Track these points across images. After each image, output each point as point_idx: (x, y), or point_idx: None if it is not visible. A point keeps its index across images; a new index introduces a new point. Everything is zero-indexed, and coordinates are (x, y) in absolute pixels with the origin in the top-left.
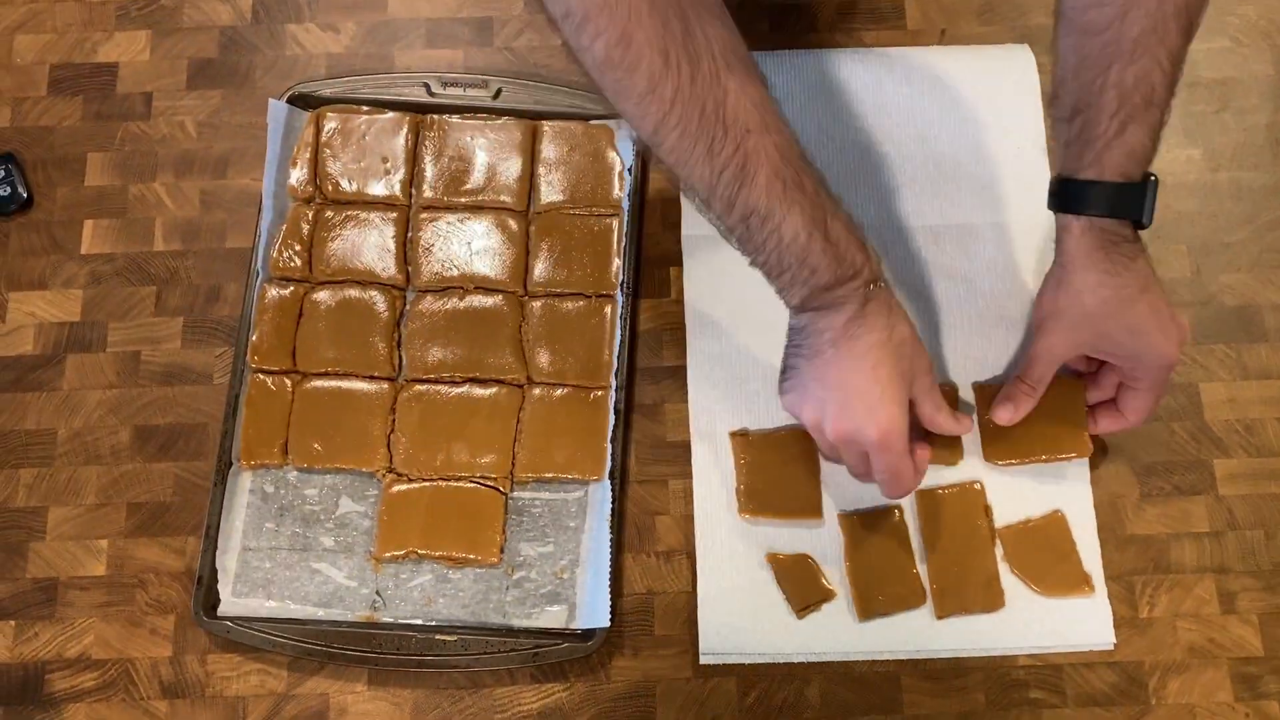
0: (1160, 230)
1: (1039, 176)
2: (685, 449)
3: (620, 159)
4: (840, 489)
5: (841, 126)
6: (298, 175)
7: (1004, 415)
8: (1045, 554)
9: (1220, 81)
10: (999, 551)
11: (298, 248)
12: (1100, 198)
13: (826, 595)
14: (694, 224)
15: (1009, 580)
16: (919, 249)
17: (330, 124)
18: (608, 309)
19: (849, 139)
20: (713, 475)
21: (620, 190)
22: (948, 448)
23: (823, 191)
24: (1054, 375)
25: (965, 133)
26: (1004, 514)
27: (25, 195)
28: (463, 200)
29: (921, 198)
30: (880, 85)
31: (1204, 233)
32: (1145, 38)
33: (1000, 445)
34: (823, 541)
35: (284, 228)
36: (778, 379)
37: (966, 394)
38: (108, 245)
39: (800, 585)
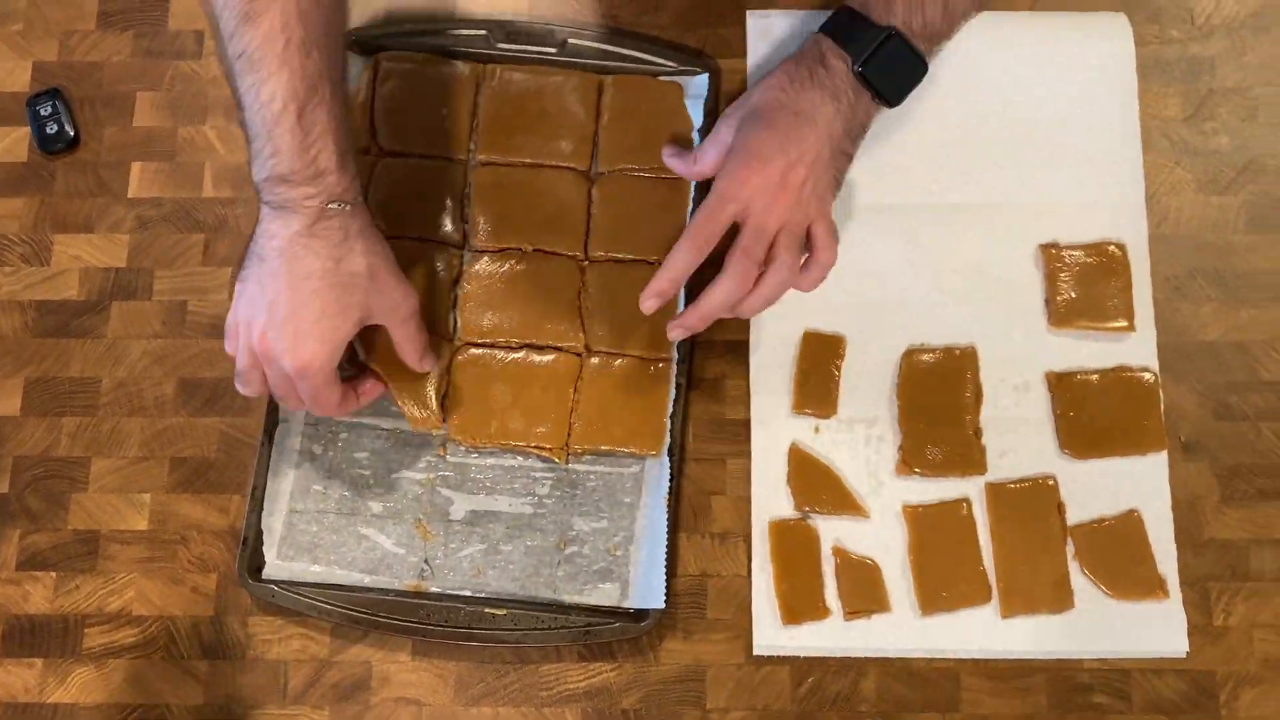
0: (1256, 216)
1: (1129, 153)
2: (745, 427)
3: (690, 118)
4: (904, 485)
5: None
6: (354, 124)
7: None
8: (1118, 555)
9: None
10: (1070, 550)
11: None
12: (838, 17)
13: (880, 607)
14: None
15: (1079, 581)
16: (990, 219)
17: (388, 70)
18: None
19: (934, 107)
20: (772, 461)
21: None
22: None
23: (327, 77)
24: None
25: (1053, 103)
26: (1077, 511)
27: (72, 134)
28: (523, 157)
29: (1003, 169)
30: (968, 51)
31: None
32: None
33: (1077, 438)
34: (887, 536)
35: None
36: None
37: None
38: (155, 189)
39: (856, 589)
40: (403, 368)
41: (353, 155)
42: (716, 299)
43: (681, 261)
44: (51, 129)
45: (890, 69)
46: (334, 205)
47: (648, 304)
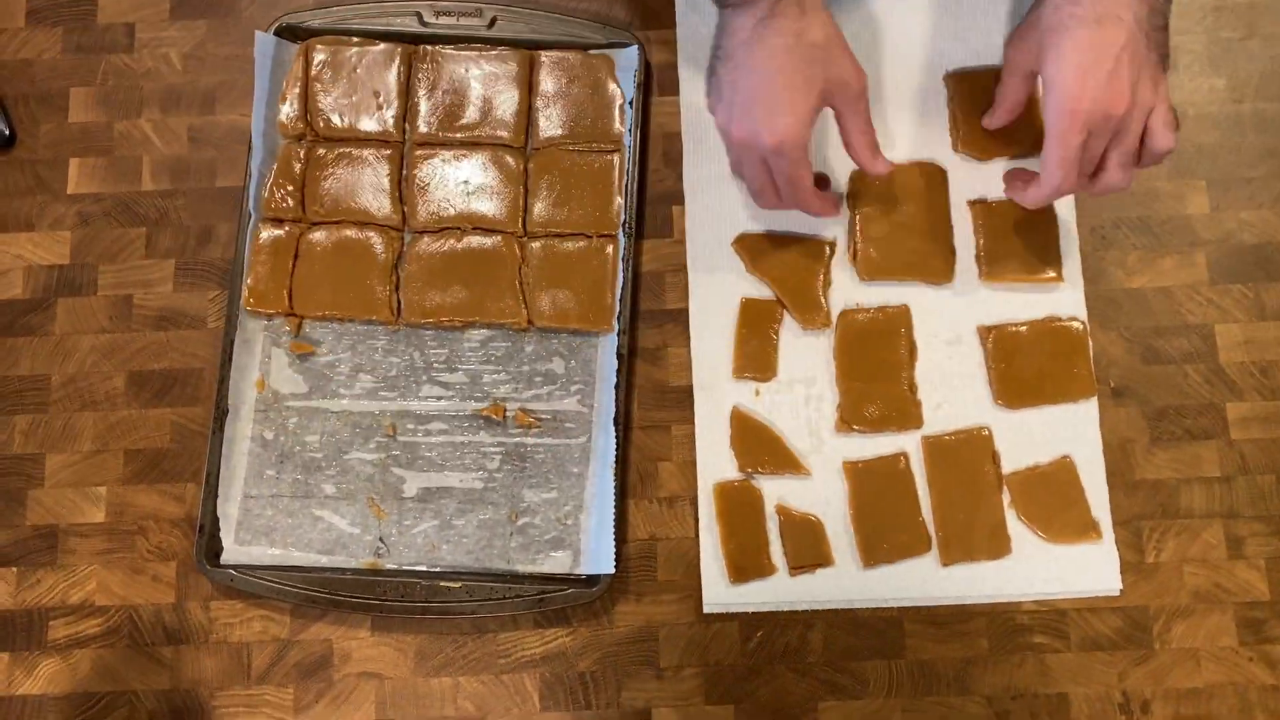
0: (1178, 164)
1: None
2: (688, 394)
3: (621, 91)
4: (844, 443)
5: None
6: (287, 111)
7: (991, 120)
8: (1053, 500)
9: (1249, 5)
10: (1006, 498)
11: (290, 188)
12: None
13: (824, 561)
14: (696, 163)
15: (1015, 527)
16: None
17: (320, 56)
18: (609, 249)
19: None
20: (715, 425)
21: (621, 125)
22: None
23: None
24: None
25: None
26: (1011, 460)
27: (7, 132)
28: (458, 136)
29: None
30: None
31: (1224, 167)
32: None
33: (1010, 389)
34: (829, 491)
35: (275, 167)
36: None
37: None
38: (95, 185)
39: (800, 545)
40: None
41: None
42: (1045, 193)
43: (1067, 187)
44: None
45: None
46: None
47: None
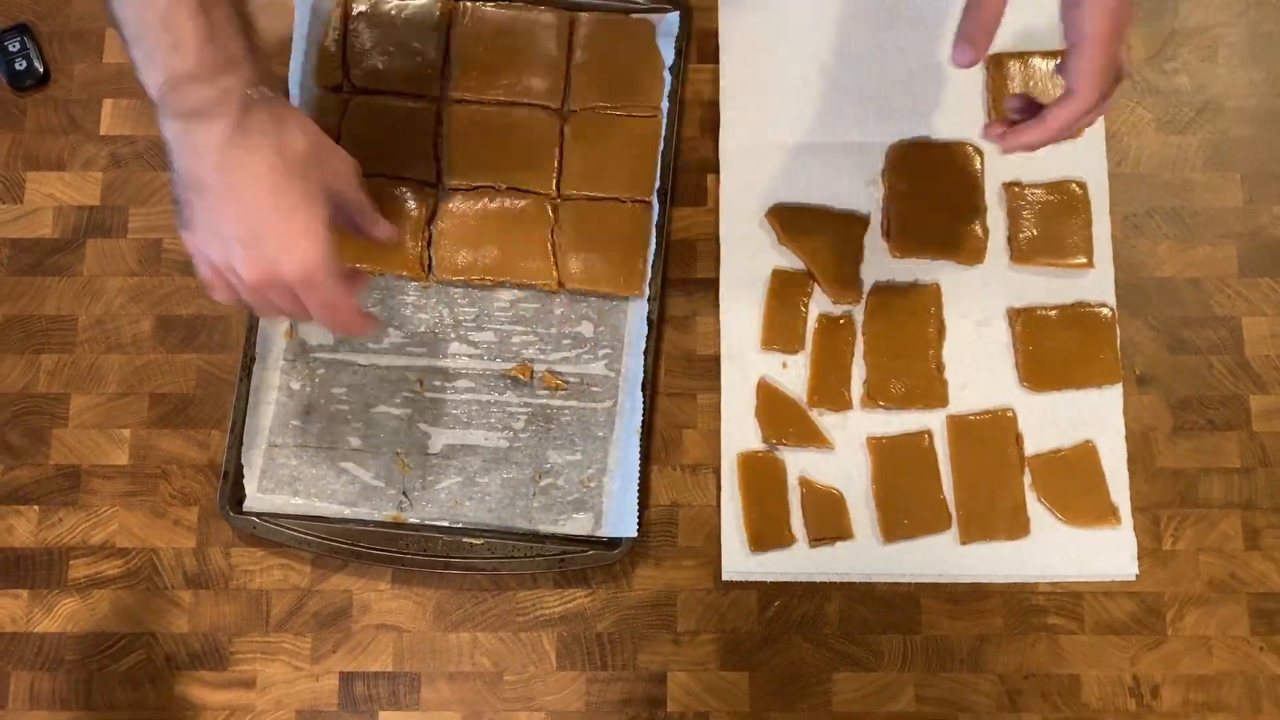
0: (1214, 156)
1: None
2: (715, 363)
3: (661, 56)
4: (869, 418)
5: (888, 30)
6: (325, 61)
7: (961, 57)
8: (1073, 484)
9: None
10: (1027, 480)
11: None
12: None
13: (844, 534)
14: (733, 131)
15: (1035, 509)
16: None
17: (360, 7)
18: (643, 214)
19: (894, 46)
20: (741, 395)
21: (660, 90)
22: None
23: None
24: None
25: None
26: (1035, 442)
27: (42, 70)
28: (496, 94)
29: (963, 108)
30: None
31: (1260, 160)
32: None
33: (1035, 372)
34: (852, 466)
35: (311, 118)
36: None
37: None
38: (128, 127)
39: (821, 517)
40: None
41: (255, 29)
42: (1074, 112)
43: (1097, 107)
44: (20, 65)
45: None
46: (251, 91)
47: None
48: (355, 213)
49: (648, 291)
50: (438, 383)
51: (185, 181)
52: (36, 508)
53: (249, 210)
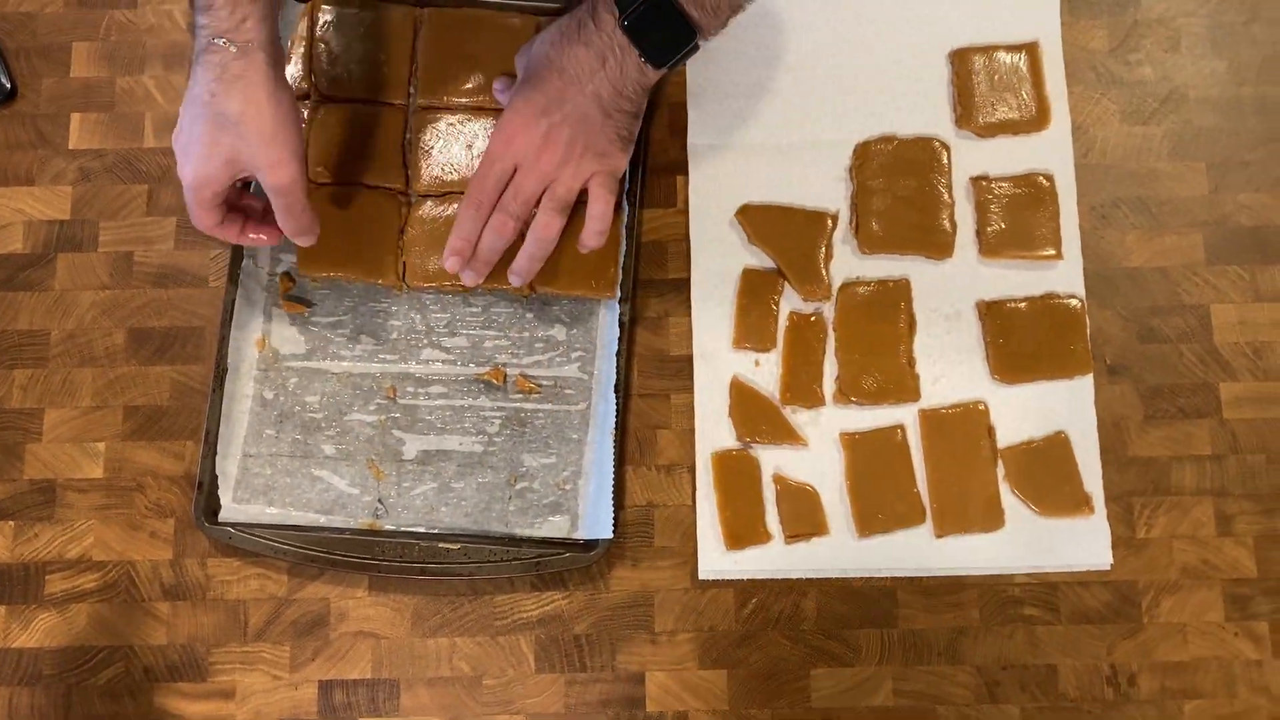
0: (1179, 146)
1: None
2: (688, 364)
3: None
4: (842, 414)
5: (857, 25)
6: (291, 71)
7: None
8: (1046, 475)
9: None
10: (1000, 472)
11: None
12: None
13: (819, 531)
14: (700, 132)
15: (1009, 500)
16: None
17: (325, 16)
18: (614, 218)
19: (859, 42)
20: (714, 394)
21: None
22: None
23: None
24: None
25: (978, 35)
26: (1007, 434)
27: (9, 86)
28: (463, 100)
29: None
30: None
31: (1224, 149)
32: None
33: (1007, 364)
34: (826, 462)
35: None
36: None
37: None
38: (96, 140)
39: (796, 514)
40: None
41: (259, 8)
42: (483, 245)
43: (466, 221)
44: None
45: (655, 29)
46: (219, 40)
47: (449, 262)
48: (276, 210)
49: (619, 294)
50: (411, 389)
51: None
52: (11, 523)
53: (181, 115)
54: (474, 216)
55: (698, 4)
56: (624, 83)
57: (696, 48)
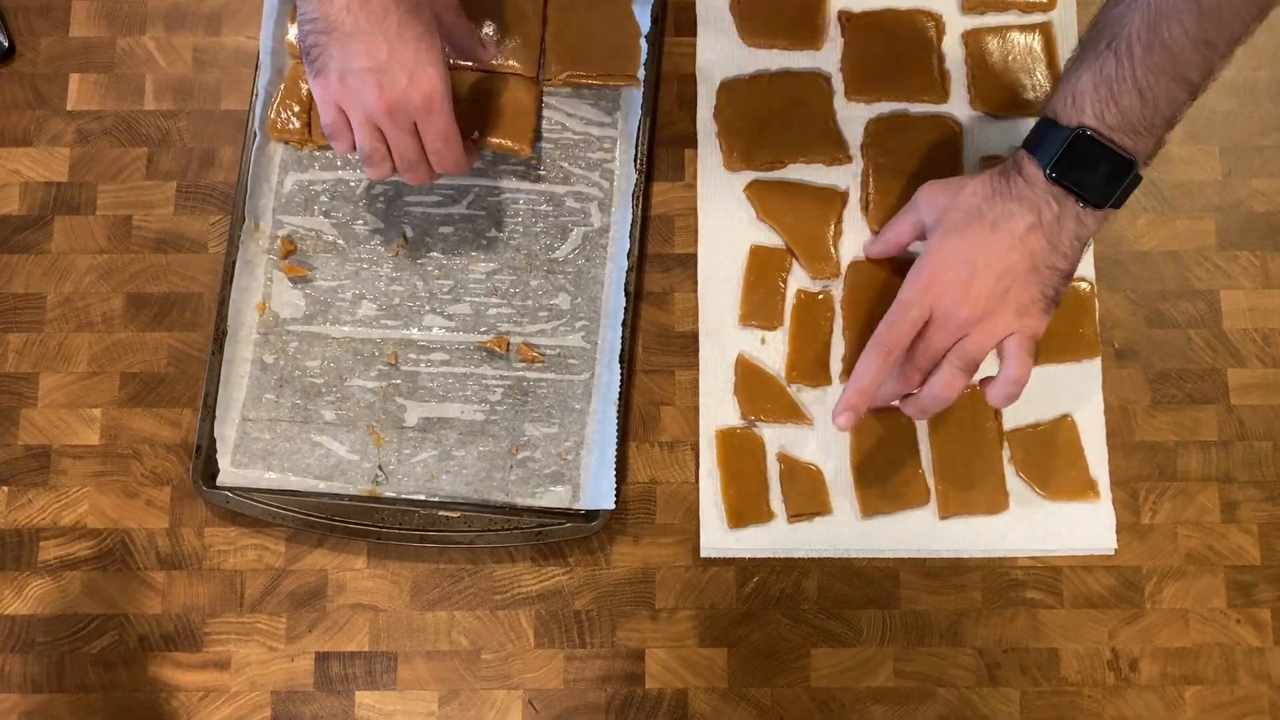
0: (1193, 129)
1: None
2: (693, 340)
3: (637, 24)
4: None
5: None
6: (297, 30)
7: (871, 249)
8: (1052, 458)
9: None
10: (1006, 454)
11: (297, 109)
12: (1035, 127)
13: (823, 510)
14: (710, 106)
15: (1014, 483)
16: None
17: None
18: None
19: None
20: (719, 371)
21: (636, 59)
22: None
23: None
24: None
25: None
26: (1013, 417)
27: (6, 44)
28: (469, 63)
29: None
30: None
31: (1238, 134)
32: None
33: None
34: (830, 441)
35: (282, 87)
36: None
37: None
38: (95, 102)
39: (799, 493)
40: None
41: None
42: (883, 395)
43: (868, 371)
44: None
45: (1085, 170)
46: None
47: (841, 418)
48: (460, 37)
49: (626, 263)
50: (413, 355)
51: (319, 25)
52: (5, 488)
53: (376, 43)
54: (881, 366)
55: (1123, 130)
56: (1060, 237)
57: (1138, 179)
